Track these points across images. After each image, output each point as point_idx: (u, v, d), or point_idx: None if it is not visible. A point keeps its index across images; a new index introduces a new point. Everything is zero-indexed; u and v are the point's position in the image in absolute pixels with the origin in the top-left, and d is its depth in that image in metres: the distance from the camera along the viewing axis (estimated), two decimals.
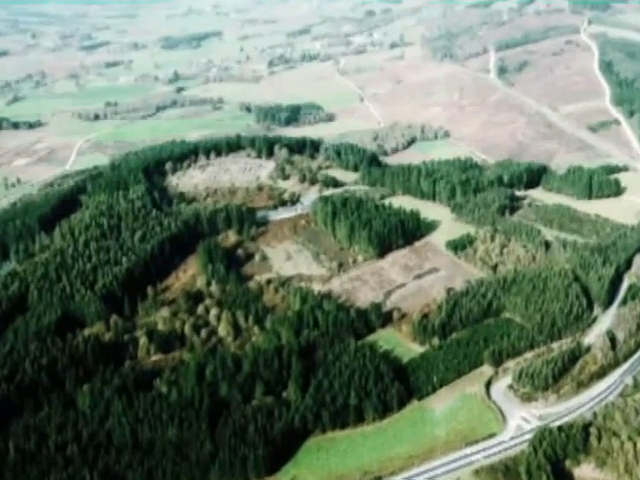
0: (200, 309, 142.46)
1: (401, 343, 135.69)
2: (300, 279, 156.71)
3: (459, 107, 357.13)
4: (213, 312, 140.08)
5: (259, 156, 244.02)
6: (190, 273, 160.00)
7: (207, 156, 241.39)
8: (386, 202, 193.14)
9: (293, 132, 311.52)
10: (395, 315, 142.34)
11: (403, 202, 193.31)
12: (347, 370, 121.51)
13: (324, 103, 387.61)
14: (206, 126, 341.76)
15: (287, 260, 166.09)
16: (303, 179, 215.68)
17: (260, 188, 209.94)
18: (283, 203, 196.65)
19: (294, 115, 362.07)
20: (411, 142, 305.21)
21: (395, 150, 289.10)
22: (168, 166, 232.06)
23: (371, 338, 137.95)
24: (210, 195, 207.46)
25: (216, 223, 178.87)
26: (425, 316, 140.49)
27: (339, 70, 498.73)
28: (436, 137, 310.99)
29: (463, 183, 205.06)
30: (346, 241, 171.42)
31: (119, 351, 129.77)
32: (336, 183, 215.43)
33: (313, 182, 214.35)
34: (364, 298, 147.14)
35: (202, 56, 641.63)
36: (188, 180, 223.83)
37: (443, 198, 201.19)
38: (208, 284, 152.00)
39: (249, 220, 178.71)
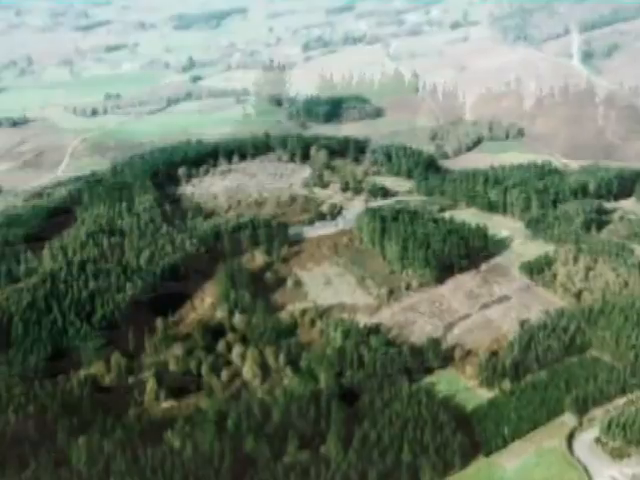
0: (220, 346, 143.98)
1: (465, 387, 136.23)
2: (342, 309, 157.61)
3: (535, 100, 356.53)
4: (236, 350, 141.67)
5: (292, 160, 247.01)
6: (208, 302, 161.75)
7: (229, 160, 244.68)
8: (446, 215, 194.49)
9: (333, 130, 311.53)
10: (457, 353, 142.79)
11: (467, 215, 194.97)
12: (399, 419, 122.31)
13: (371, 95, 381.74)
14: (228, 123, 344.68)
15: (326, 286, 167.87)
16: (346, 188, 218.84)
17: (293, 199, 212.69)
18: (321, 217, 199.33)
19: (335, 110, 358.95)
20: (477, 142, 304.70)
21: (457, 152, 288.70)
22: (182, 172, 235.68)
23: (428, 381, 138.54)
24: (233, 207, 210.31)
25: (240, 241, 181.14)
26: (494, 354, 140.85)
27: (389, 55, 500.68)
28: (507, 136, 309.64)
29: (540, 193, 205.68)
30: (398, 263, 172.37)
31: (122, 397, 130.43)
32: (386, 192, 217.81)
33: (358, 191, 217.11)
34: (420, 332, 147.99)
35: (223, 38, 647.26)
36: (206, 189, 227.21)
37: (516, 211, 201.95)
38: (230, 315, 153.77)
39: (280, 237, 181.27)
